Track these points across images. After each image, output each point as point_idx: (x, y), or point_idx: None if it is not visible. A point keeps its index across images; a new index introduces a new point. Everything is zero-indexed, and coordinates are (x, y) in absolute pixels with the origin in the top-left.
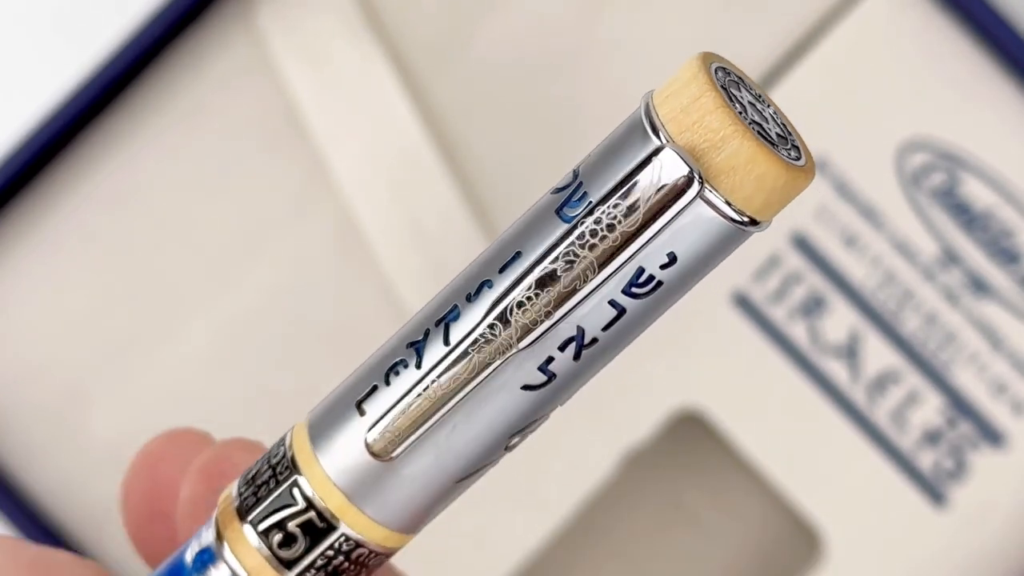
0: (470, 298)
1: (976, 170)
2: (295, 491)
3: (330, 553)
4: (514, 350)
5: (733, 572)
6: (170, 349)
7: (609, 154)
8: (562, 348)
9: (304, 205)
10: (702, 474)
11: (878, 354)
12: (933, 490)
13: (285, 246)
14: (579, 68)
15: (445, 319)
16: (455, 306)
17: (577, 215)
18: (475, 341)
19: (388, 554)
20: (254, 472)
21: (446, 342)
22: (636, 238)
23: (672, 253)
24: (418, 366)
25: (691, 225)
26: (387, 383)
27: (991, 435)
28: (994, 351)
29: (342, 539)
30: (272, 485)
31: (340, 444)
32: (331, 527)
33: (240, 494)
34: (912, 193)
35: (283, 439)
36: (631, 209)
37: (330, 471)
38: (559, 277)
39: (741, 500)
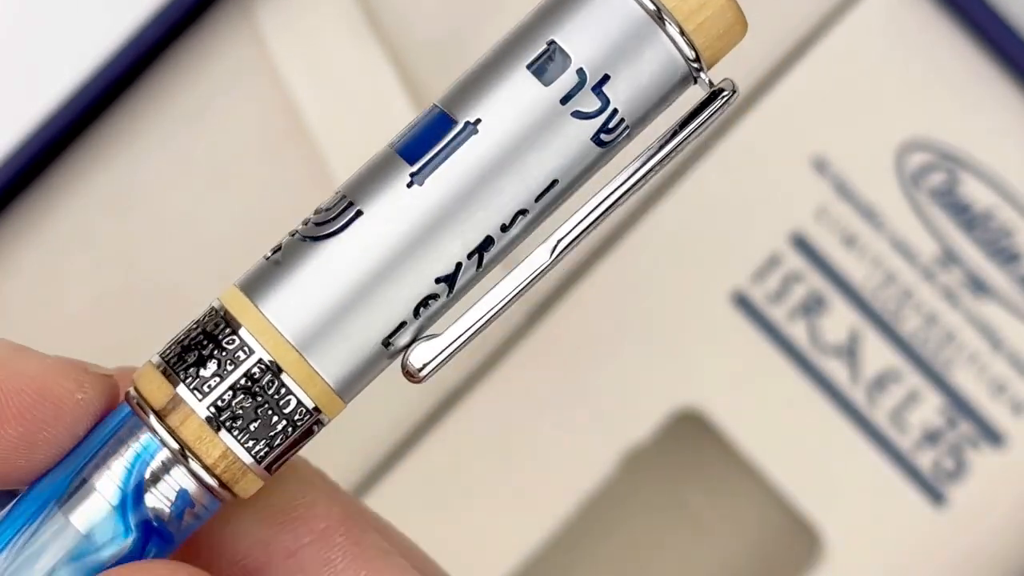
0: (505, 228)
1: (976, 170)
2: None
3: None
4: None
5: (733, 572)
6: None
7: (644, 85)
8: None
9: (304, 205)
10: (702, 474)
11: (878, 354)
12: (933, 490)
13: None
14: None
15: (479, 249)
16: (488, 237)
17: (614, 140)
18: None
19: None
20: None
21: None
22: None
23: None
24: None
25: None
26: (416, 317)
27: (991, 435)
28: (994, 351)
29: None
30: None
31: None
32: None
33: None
34: (912, 193)
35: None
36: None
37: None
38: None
39: (741, 500)
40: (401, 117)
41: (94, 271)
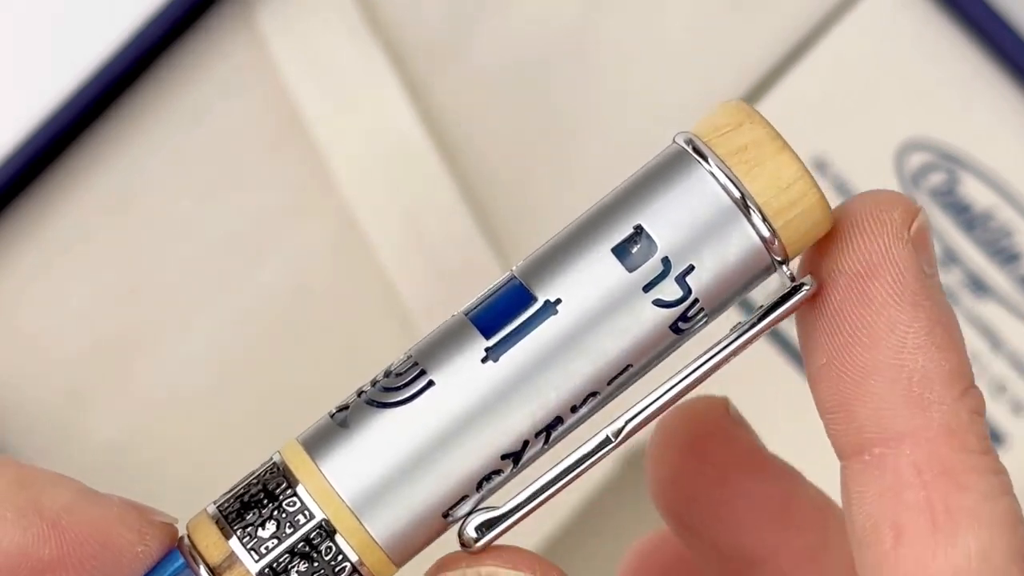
0: (575, 409)
1: (976, 170)
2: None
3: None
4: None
5: None
6: (170, 349)
7: (727, 277)
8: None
9: (304, 205)
10: None
11: None
12: None
13: (285, 246)
14: (578, 69)
15: (548, 429)
16: (558, 417)
17: (691, 327)
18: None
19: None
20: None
21: (545, 443)
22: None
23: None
24: (515, 471)
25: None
26: (478, 490)
27: (991, 435)
28: (994, 351)
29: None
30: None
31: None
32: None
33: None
34: (912, 193)
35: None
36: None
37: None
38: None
39: None
40: (401, 117)
41: (94, 270)
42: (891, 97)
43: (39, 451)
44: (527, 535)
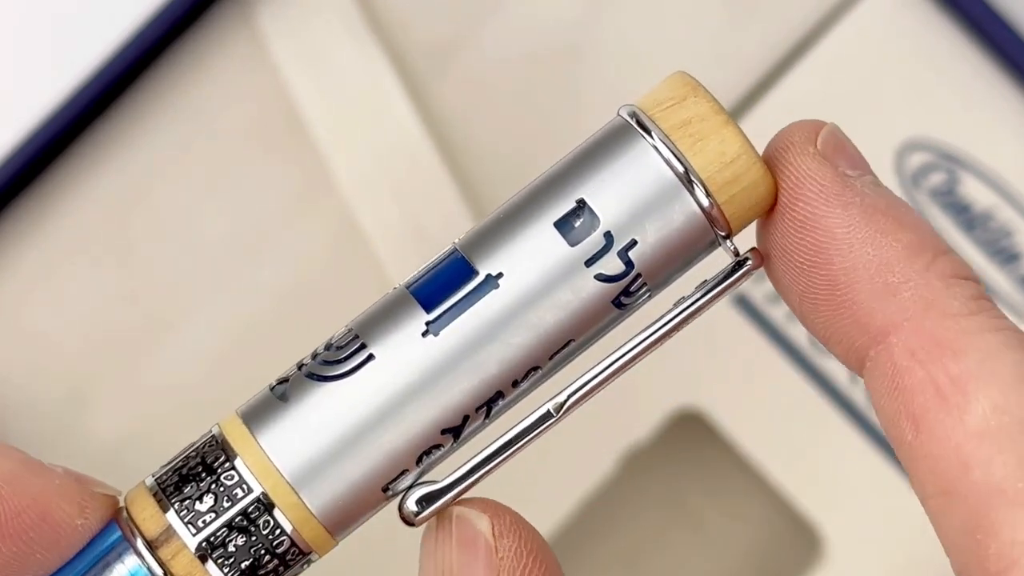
0: (516, 384)
1: (976, 170)
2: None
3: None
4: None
5: (733, 572)
6: (170, 349)
7: (670, 252)
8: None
9: (304, 205)
10: (702, 474)
11: None
12: None
13: (285, 246)
14: (579, 69)
15: (489, 403)
16: (499, 392)
17: (633, 302)
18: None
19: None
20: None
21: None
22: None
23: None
24: (453, 448)
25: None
26: (418, 464)
27: None
28: None
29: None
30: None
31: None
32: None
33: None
34: (912, 193)
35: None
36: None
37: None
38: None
39: (742, 500)
40: (401, 117)
41: (94, 270)
42: (891, 97)
43: (40, 450)
44: None
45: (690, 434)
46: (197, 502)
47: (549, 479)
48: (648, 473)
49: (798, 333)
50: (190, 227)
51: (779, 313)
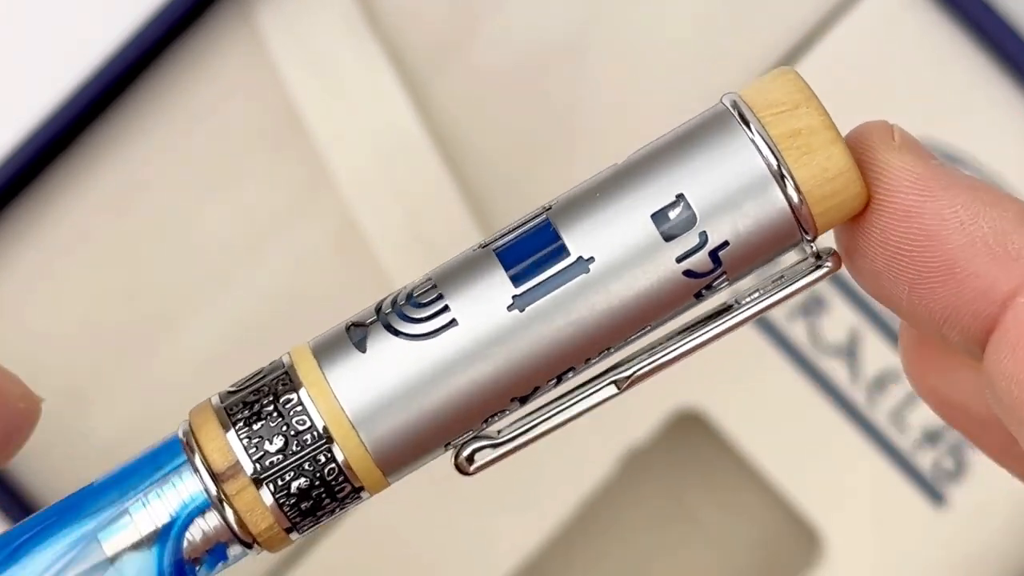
0: (588, 360)
1: (976, 170)
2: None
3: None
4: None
5: (733, 571)
6: (170, 349)
7: (756, 252)
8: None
9: (304, 205)
10: (702, 474)
11: (878, 354)
12: (932, 490)
13: (285, 246)
14: (578, 69)
15: (560, 376)
16: (572, 367)
17: (712, 294)
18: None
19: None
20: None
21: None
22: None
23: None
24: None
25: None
26: (483, 425)
27: None
28: None
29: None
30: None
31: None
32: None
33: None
34: None
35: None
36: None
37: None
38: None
39: (741, 500)
40: (401, 116)
41: (94, 270)
42: (891, 97)
43: (39, 449)
44: (527, 533)
45: (690, 434)
46: (267, 442)
47: (549, 479)
48: (648, 473)
49: (798, 333)
50: (189, 226)
51: (779, 313)
